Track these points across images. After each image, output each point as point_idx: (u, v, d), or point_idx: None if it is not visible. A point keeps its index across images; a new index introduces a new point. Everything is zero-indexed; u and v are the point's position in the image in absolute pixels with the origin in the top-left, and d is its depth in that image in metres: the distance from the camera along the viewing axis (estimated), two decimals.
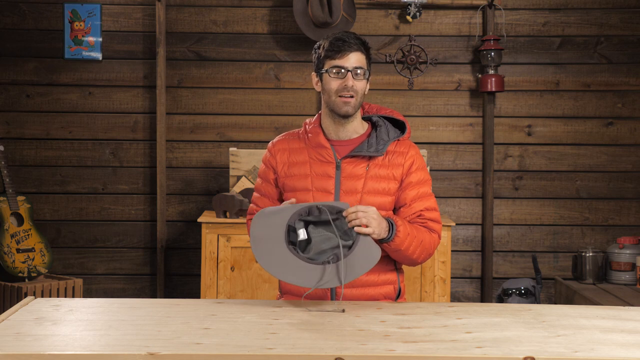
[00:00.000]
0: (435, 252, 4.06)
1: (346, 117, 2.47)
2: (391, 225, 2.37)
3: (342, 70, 2.43)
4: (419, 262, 2.49)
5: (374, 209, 2.31)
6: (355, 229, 2.28)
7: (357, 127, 2.53)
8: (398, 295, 2.54)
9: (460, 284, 4.86)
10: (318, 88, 2.51)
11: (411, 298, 4.06)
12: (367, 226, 2.29)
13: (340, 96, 2.43)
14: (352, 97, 2.43)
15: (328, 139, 2.51)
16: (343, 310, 2.22)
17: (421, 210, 2.48)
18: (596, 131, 4.87)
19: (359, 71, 2.44)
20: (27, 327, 1.97)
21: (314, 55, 2.51)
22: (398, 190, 2.50)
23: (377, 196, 2.47)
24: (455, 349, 1.81)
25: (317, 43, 2.52)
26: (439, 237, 2.51)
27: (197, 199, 4.84)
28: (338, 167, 2.47)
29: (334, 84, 2.44)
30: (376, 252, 2.32)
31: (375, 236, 2.32)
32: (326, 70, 2.45)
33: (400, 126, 2.58)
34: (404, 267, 2.66)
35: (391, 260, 2.52)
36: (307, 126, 2.57)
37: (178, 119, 4.84)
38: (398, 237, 2.36)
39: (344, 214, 2.30)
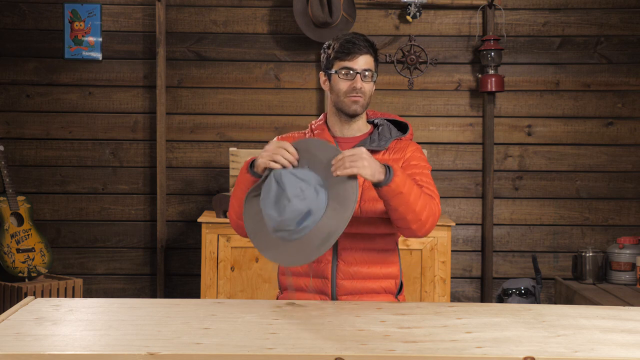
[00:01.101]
0: (435, 252, 4.07)
1: (354, 116, 2.51)
2: (388, 169, 2.27)
3: (351, 72, 2.47)
4: (424, 221, 2.34)
5: (364, 149, 2.22)
6: (338, 173, 2.19)
7: (361, 127, 2.58)
8: (399, 290, 2.54)
9: (460, 284, 4.87)
10: (326, 87, 2.55)
11: (411, 298, 4.06)
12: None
13: (349, 96, 2.47)
14: (360, 97, 2.47)
15: (333, 136, 2.55)
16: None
17: (416, 179, 2.44)
18: (596, 131, 4.87)
19: (367, 73, 2.48)
20: (27, 327, 1.97)
21: (322, 55, 2.56)
22: None
23: None
24: (455, 349, 1.81)
25: (327, 43, 2.56)
26: (439, 207, 2.40)
27: (197, 199, 4.84)
28: None
29: (342, 85, 2.48)
30: (315, 253, 2.19)
31: (369, 177, 2.21)
32: (335, 71, 2.49)
33: (402, 129, 2.62)
34: (403, 266, 2.66)
35: (395, 254, 2.53)
36: (312, 125, 2.63)
37: (178, 119, 4.84)
38: (397, 176, 2.24)
39: (333, 162, 2.21)
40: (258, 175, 2.32)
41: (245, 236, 2.42)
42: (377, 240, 2.47)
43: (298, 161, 2.28)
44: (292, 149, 2.27)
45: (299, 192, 2.19)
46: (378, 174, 2.23)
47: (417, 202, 2.30)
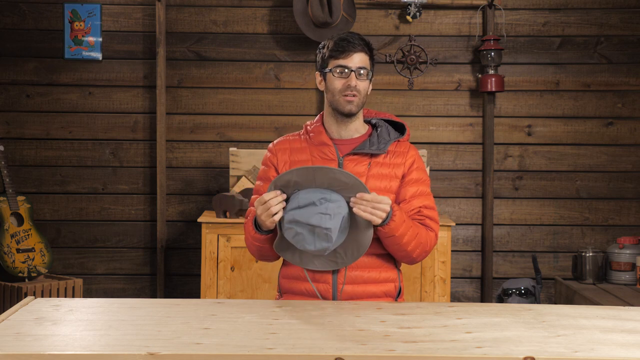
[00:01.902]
0: (435, 252, 4.07)
1: (349, 115, 2.49)
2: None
3: (346, 70, 2.46)
4: (414, 258, 2.46)
5: (389, 202, 2.30)
6: (355, 210, 2.28)
7: (358, 127, 2.55)
8: (399, 294, 2.54)
9: (460, 284, 4.86)
10: (321, 87, 2.54)
11: (411, 298, 4.06)
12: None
13: (344, 95, 2.45)
14: (355, 95, 2.45)
15: (330, 138, 2.53)
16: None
17: (420, 207, 2.49)
18: (596, 131, 4.87)
19: (362, 71, 2.46)
20: (27, 327, 1.97)
21: (318, 55, 2.54)
22: (399, 188, 2.51)
23: (378, 194, 2.47)
24: (455, 349, 1.81)
25: (322, 43, 2.54)
26: (436, 237, 2.50)
27: (197, 199, 4.84)
28: (340, 165, 2.49)
29: (337, 83, 2.47)
30: (367, 239, 2.33)
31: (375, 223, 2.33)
32: (330, 70, 2.47)
33: (399, 129, 2.61)
34: (403, 266, 2.66)
35: (392, 258, 2.53)
36: (308, 127, 2.59)
37: (178, 119, 4.84)
38: (393, 221, 2.33)
39: (356, 197, 2.28)
40: (267, 232, 2.41)
41: (272, 261, 2.60)
42: (377, 245, 2.47)
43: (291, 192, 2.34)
44: (273, 198, 2.30)
45: (322, 210, 2.28)
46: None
47: (409, 243, 2.41)
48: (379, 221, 2.29)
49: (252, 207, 2.59)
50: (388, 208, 2.29)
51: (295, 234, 2.29)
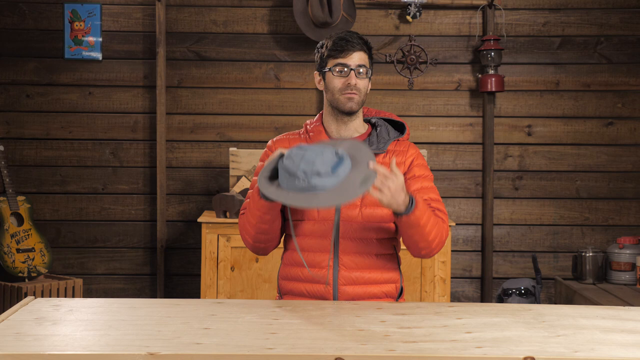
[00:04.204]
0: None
1: (350, 114, 2.49)
2: (410, 199, 2.30)
3: (345, 69, 2.46)
4: (433, 248, 2.41)
5: (401, 180, 2.22)
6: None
7: (358, 127, 2.55)
8: (399, 294, 2.54)
9: (460, 284, 4.87)
10: (321, 87, 2.54)
11: (411, 298, 4.06)
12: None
13: (344, 93, 2.45)
14: (355, 93, 2.45)
15: (330, 137, 2.53)
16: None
17: (426, 199, 2.47)
18: (596, 131, 4.87)
19: (361, 70, 2.46)
20: (27, 327, 1.97)
21: (316, 55, 2.54)
22: None
23: None
24: (455, 349, 1.81)
25: (320, 42, 2.54)
26: (448, 231, 2.46)
27: (197, 199, 4.84)
28: None
29: (337, 82, 2.47)
30: (353, 193, 2.17)
31: (385, 205, 2.24)
32: (329, 69, 2.47)
33: (398, 128, 2.60)
34: (403, 267, 2.66)
35: (394, 259, 2.52)
36: (307, 126, 2.59)
37: (178, 119, 4.84)
38: (417, 209, 2.28)
39: (372, 165, 2.21)
40: (271, 200, 2.31)
41: (265, 254, 2.51)
42: (378, 245, 2.47)
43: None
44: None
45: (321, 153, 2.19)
46: (398, 206, 2.24)
47: (431, 232, 2.36)
48: (383, 199, 2.21)
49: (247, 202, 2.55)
50: (392, 185, 2.20)
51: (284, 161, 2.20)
